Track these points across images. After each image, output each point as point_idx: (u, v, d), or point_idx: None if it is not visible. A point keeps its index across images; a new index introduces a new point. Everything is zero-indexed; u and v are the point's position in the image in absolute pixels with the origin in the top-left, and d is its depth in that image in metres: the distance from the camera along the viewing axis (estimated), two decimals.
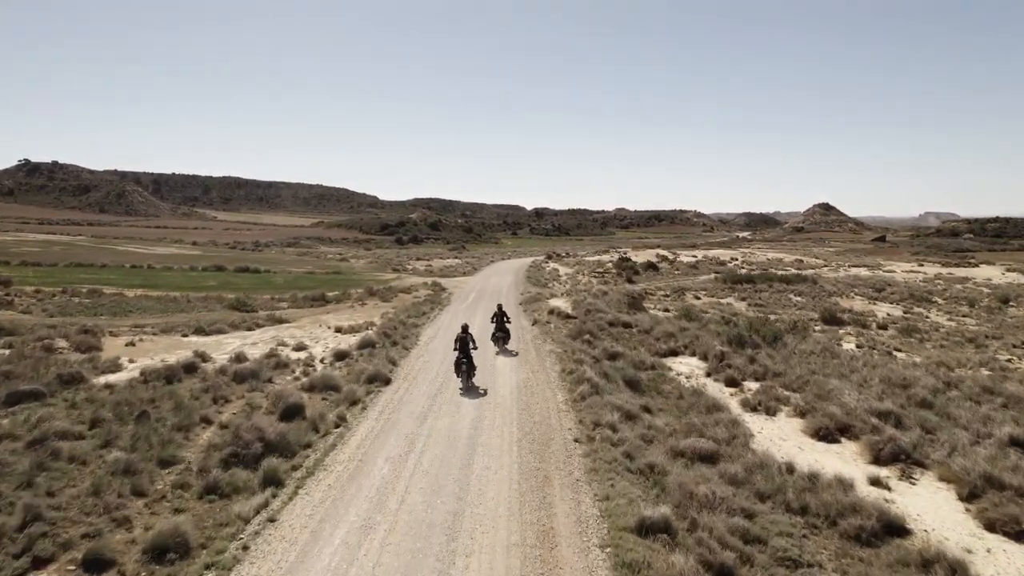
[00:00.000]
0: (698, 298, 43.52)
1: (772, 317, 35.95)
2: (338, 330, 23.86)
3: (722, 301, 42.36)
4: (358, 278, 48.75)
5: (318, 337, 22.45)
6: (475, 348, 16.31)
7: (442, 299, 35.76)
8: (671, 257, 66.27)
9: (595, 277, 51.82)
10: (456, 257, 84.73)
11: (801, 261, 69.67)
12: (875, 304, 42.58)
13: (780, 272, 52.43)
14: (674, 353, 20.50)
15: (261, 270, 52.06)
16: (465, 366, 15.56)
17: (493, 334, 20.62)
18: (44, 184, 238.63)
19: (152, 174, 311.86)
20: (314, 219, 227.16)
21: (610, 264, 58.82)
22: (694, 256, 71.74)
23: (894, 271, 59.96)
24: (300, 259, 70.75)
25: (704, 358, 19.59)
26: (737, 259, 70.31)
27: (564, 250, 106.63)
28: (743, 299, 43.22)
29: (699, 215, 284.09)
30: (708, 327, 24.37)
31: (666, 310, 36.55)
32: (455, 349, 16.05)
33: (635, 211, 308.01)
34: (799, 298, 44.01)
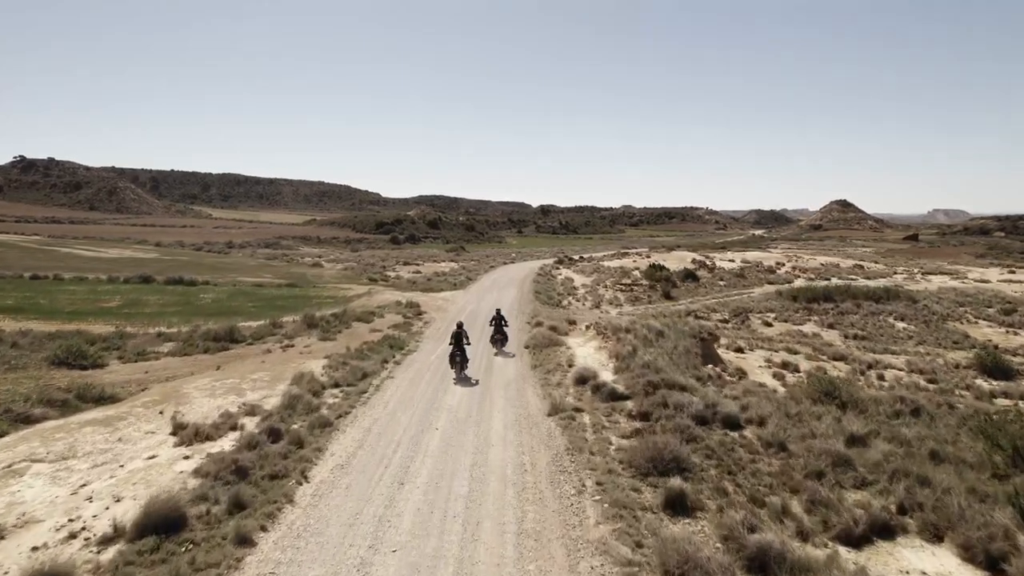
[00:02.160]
0: (769, 324, 31.66)
1: (901, 363, 24.08)
2: (178, 432, 12.12)
3: (803, 330, 30.46)
4: (315, 294, 37.13)
5: (109, 463, 10.69)
6: (468, 343, 17.67)
7: (410, 335, 24.04)
8: (708, 263, 54.27)
9: (622, 291, 40.00)
10: (453, 260, 72.99)
11: (861, 267, 57.46)
12: (1016, 334, 30.51)
13: (859, 285, 40.39)
14: (885, 529, 8.69)
15: (198, 281, 40.50)
16: (459, 358, 16.95)
17: (492, 336, 21.04)
18: (35, 181, 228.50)
19: (150, 171, 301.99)
20: (313, 217, 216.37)
21: (637, 272, 46.95)
22: (731, 260, 59.70)
23: (989, 281, 47.84)
24: (266, 264, 59.20)
25: (981, 560, 7.82)
26: (784, 264, 58.23)
27: (575, 251, 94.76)
28: (830, 326, 31.29)
29: (711, 212, 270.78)
30: (888, 426, 12.53)
31: (738, 350, 24.77)
32: (450, 343, 17.44)
33: (643, 208, 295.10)
34: (903, 324, 31.99)
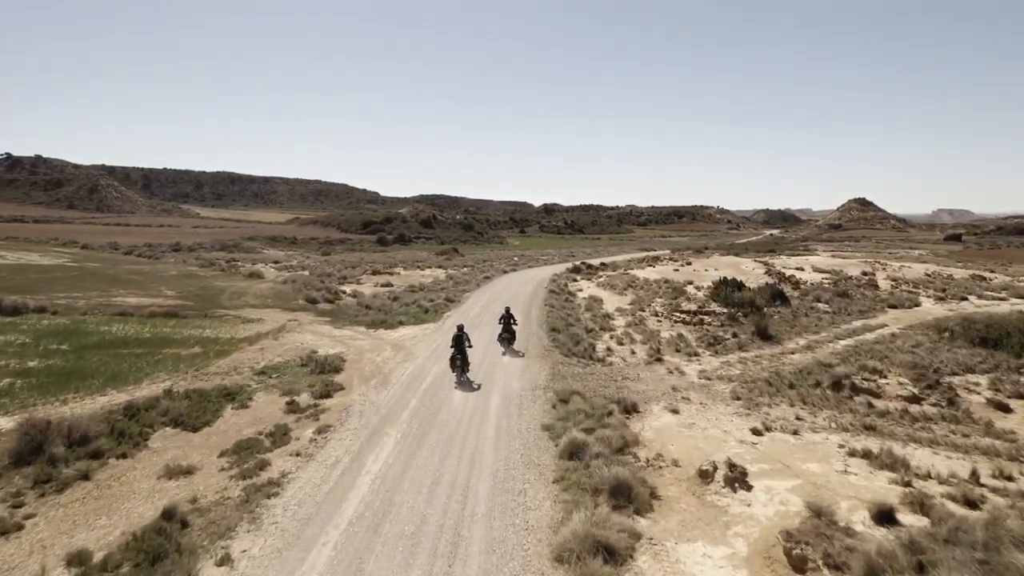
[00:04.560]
0: (1003, 407, 16.42)
1: None
2: None
3: None
4: (189, 335, 22.02)
5: None
6: (470, 346, 16.37)
7: (241, 509, 8.88)
8: (786, 274, 39.09)
9: (684, 323, 24.88)
10: (441, 266, 57.99)
11: (983, 278, 42.18)
12: None
13: None
14: None
15: (28, 307, 25.56)
16: (460, 361, 15.75)
17: (500, 335, 20.23)
18: (16, 179, 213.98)
19: (142, 169, 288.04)
20: (296, 215, 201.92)
21: (693, 289, 31.85)
22: (800, 269, 44.56)
23: None
24: (191, 274, 44.14)
25: None
26: (871, 273, 43.04)
27: (587, 253, 79.64)
28: None
29: (722, 211, 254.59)
30: None
31: None
32: (451, 346, 16.05)
33: (650, 207, 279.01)
34: None
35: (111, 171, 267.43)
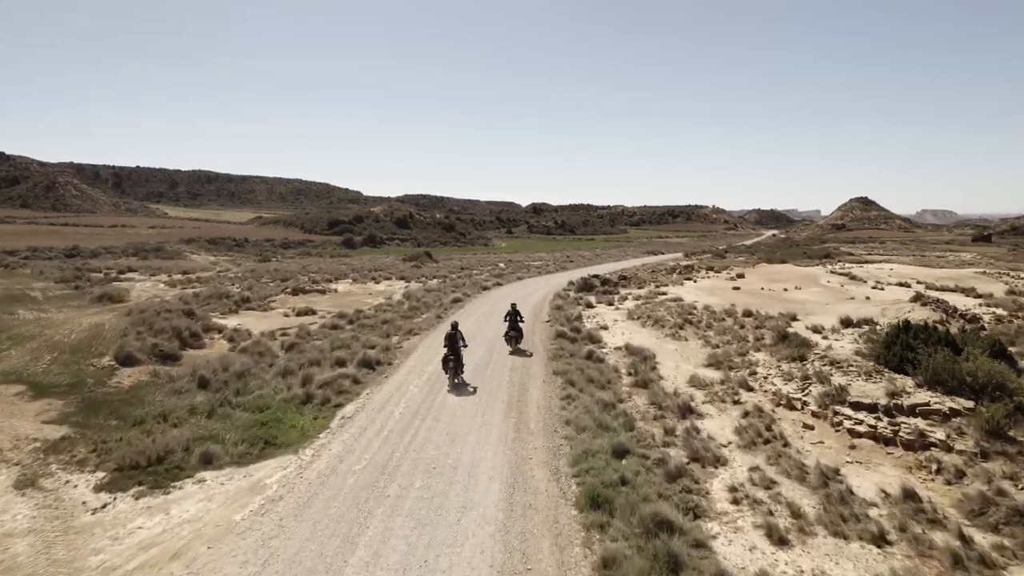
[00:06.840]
0: None
1: None
2: None
3: None
4: None
5: None
6: (465, 346, 14.78)
7: None
8: (944, 306, 24.84)
9: (884, 442, 10.54)
10: (405, 275, 43.48)
11: None
12: None
13: None
14: None
15: None
16: (453, 363, 14.10)
17: (506, 333, 18.35)
18: None
19: (113, 168, 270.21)
20: (274, 215, 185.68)
21: (810, 332, 17.50)
22: (905, 285, 30.57)
23: None
24: (22, 296, 29.05)
25: None
26: (1019, 290, 29.15)
27: (588, 258, 65.31)
28: None
29: (718, 210, 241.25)
30: None
31: None
32: (444, 346, 14.51)
33: (641, 206, 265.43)
34: None
35: (80, 169, 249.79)
